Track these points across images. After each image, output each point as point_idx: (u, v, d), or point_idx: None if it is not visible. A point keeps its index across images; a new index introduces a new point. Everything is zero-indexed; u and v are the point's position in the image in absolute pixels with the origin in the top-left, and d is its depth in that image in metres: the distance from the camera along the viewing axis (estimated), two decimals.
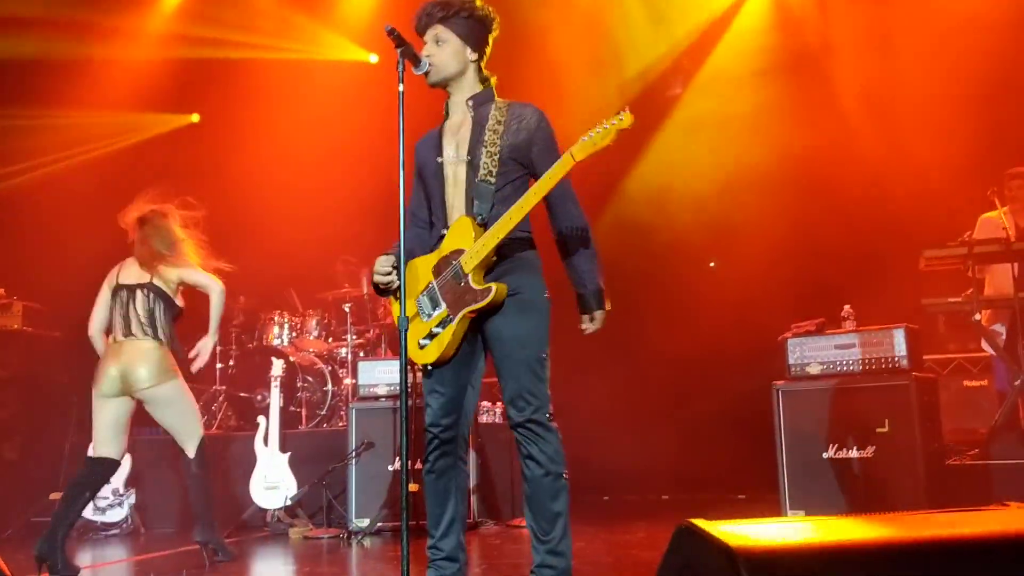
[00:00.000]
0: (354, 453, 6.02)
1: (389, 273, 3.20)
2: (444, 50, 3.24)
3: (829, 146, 7.44)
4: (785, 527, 1.60)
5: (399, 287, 3.18)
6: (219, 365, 7.89)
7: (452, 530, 3.24)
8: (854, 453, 5.27)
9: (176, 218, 5.05)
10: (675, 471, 7.73)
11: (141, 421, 7.12)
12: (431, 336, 3.13)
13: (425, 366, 3.19)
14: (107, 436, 4.78)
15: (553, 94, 8.07)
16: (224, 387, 7.76)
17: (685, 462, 7.61)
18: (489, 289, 3.05)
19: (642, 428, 7.82)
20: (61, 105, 8.04)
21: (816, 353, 5.56)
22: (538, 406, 3.09)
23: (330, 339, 7.85)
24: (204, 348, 4.95)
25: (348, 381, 7.33)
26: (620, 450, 7.84)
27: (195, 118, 9.12)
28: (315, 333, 7.84)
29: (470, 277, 3.08)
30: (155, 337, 4.81)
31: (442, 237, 3.21)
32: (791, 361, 5.62)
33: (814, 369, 5.54)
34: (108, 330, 4.94)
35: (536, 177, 3.16)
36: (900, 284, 6.29)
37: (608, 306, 3.23)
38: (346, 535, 5.83)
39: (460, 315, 3.09)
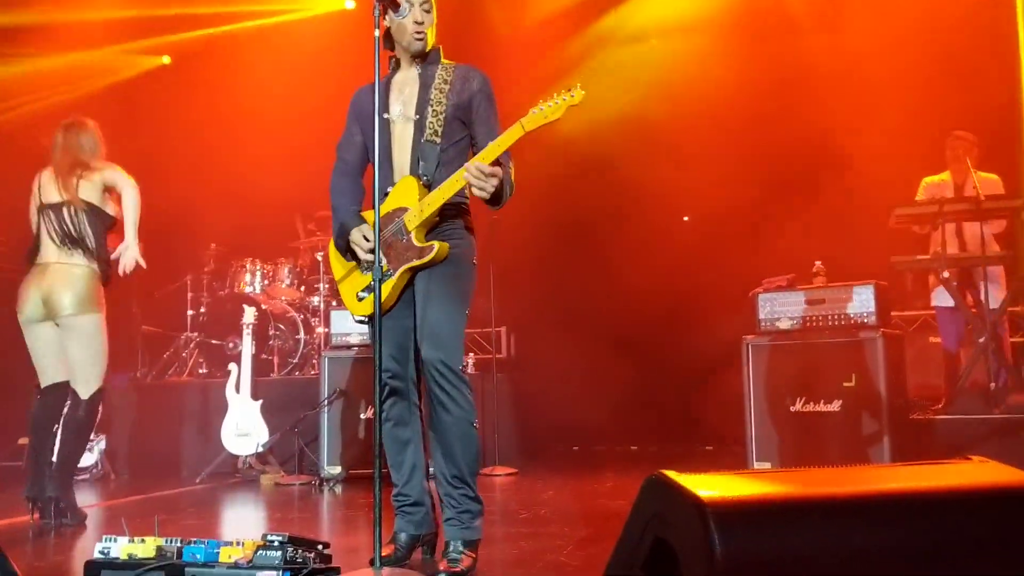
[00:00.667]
0: (326, 401, 6.03)
1: (372, 250, 3.17)
2: (431, 17, 3.27)
3: (799, 103, 7.42)
4: (752, 479, 1.63)
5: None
6: (190, 312, 7.84)
7: (415, 476, 3.30)
8: (821, 406, 5.36)
9: (98, 129, 4.76)
10: (644, 422, 7.82)
11: (112, 367, 7.11)
12: (370, 289, 3.16)
13: (364, 318, 3.25)
14: (48, 363, 4.57)
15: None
16: (195, 334, 7.72)
17: (654, 414, 7.70)
18: (431, 247, 3.12)
19: (612, 380, 7.87)
20: (27, 44, 7.83)
21: (786, 308, 5.62)
22: (456, 357, 3.14)
23: (302, 288, 7.81)
24: (124, 253, 4.54)
25: (320, 330, 7.31)
26: (590, 401, 7.90)
27: (166, 60, 8.92)
28: (287, 281, 7.79)
29: (412, 235, 3.14)
30: (85, 258, 4.49)
31: (387, 194, 3.21)
32: (761, 316, 5.68)
33: (784, 324, 5.61)
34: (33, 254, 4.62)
35: (473, 138, 3.21)
36: (870, 241, 6.35)
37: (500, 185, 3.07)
38: (318, 482, 5.87)
39: (400, 270, 3.16)
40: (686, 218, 8.44)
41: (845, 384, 5.29)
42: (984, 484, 1.52)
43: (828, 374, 5.34)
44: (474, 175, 2.96)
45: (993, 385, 5.34)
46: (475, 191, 3.00)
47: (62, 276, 4.48)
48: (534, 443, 7.56)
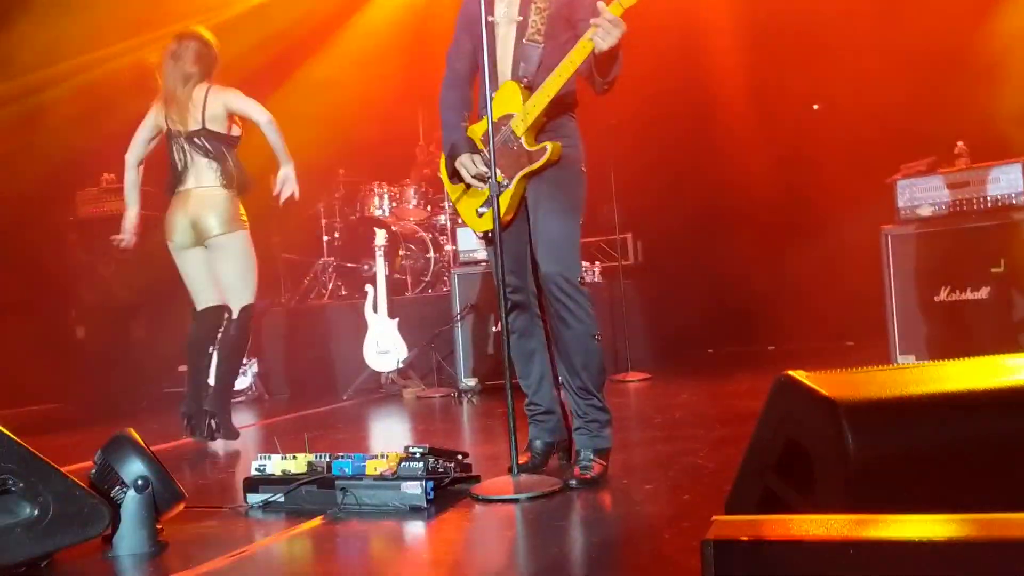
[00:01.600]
0: (458, 316, 6.17)
1: (478, 175, 3.16)
2: None
3: None
4: (885, 375, 1.58)
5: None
6: (325, 237, 8.10)
7: (543, 385, 3.35)
8: (968, 295, 5.12)
9: (212, 44, 4.71)
10: (781, 320, 7.65)
11: (258, 294, 7.45)
12: (489, 204, 3.12)
13: (485, 233, 3.23)
14: (201, 287, 4.70)
15: None
16: (332, 258, 7.98)
17: (792, 311, 7.52)
18: (544, 149, 3.07)
19: (744, 279, 7.73)
20: None
21: (927, 194, 5.34)
22: (573, 269, 3.12)
23: (429, 207, 7.93)
24: (286, 177, 4.64)
25: (449, 247, 7.43)
26: (722, 303, 7.80)
27: None
28: (414, 202, 7.92)
29: (523, 140, 3.09)
30: (222, 185, 4.58)
31: (491, 101, 3.16)
32: (901, 203, 5.42)
33: (925, 210, 5.34)
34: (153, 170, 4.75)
35: (577, 37, 3.07)
36: (1017, 117, 5.92)
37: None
38: (456, 394, 6.04)
39: (516, 178, 3.12)
40: (816, 106, 8.07)
41: (993, 270, 5.02)
42: None
43: (974, 261, 5.07)
44: (603, 24, 2.84)
45: None
46: (600, 42, 2.87)
47: (203, 200, 4.57)
48: (666, 347, 7.54)
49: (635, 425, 4.34)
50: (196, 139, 4.60)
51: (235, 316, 4.69)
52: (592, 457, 3.13)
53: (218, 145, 4.61)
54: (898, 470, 1.41)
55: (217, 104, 4.61)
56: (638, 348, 6.73)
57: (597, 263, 7.05)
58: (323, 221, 8.13)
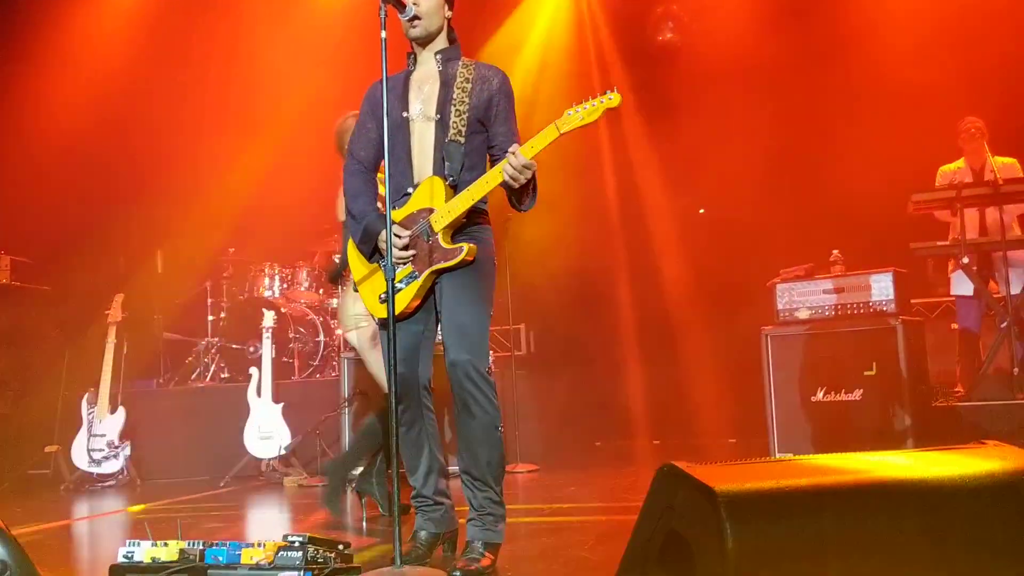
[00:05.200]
0: (345, 403, 6.06)
1: (404, 247, 3.12)
2: (431, 3, 3.17)
3: (818, 89, 7.38)
4: (764, 468, 1.63)
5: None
6: (210, 317, 7.89)
7: (430, 478, 3.28)
8: (843, 396, 5.33)
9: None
10: (666, 416, 7.78)
11: (135, 373, 7.11)
12: (393, 290, 3.10)
13: (383, 319, 3.18)
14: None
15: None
16: (216, 339, 7.77)
17: (677, 407, 7.67)
18: (460, 248, 3.07)
19: (634, 374, 7.87)
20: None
21: (804, 298, 5.59)
22: (483, 359, 3.12)
23: (320, 290, 7.84)
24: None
25: (340, 331, 7.33)
26: (611, 396, 7.89)
27: None
28: (306, 284, 7.82)
29: (439, 236, 3.10)
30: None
31: (407, 194, 3.17)
32: (780, 306, 5.65)
33: (803, 314, 5.58)
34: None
35: (491, 139, 3.18)
36: (889, 228, 6.30)
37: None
38: None
39: (427, 272, 3.11)
40: (702, 210, 8.41)
41: (866, 373, 5.26)
42: (996, 468, 1.52)
43: (849, 363, 5.31)
44: (515, 167, 2.94)
45: (1016, 371, 5.29)
46: (510, 181, 2.97)
47: None
48: (556, 440, 7.55)
49: (522, 517, 4.30)
50: None
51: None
52: (482, 551, 3.07)
53: None
54: (775, 558, 1.44)
55: None
56: (527, 439, 6.72)
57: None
58: (209, 300, 7.94)
